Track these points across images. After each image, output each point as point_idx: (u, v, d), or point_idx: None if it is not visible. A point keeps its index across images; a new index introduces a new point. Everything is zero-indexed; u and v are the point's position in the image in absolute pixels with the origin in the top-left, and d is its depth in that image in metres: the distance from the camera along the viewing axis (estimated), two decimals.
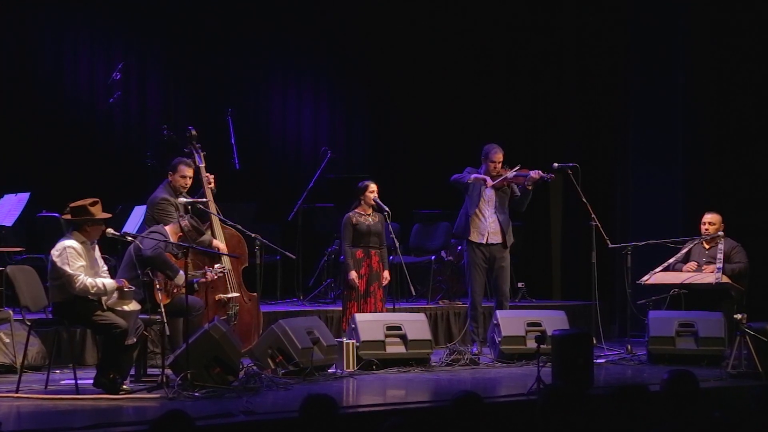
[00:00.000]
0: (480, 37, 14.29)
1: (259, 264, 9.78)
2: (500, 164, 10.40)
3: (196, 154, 9.82)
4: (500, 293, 10.47)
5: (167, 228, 8.86)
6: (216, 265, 9.21)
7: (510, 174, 10.28)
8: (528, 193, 10.42)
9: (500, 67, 14.31)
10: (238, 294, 9.62)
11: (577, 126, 13.71)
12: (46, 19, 12.60)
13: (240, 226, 9.66)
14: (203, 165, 9.80)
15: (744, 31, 12.47)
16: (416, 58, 14.04)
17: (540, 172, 10.28)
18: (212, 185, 9.79)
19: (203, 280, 9.12)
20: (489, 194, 10.41)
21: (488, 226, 10.40)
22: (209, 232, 9.45)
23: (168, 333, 8.47)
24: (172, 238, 8.73)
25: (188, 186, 9.50)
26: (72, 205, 8.24)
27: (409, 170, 13.92)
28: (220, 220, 9.65)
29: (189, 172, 9.49)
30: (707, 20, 12.51)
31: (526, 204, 10.53)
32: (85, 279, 8.05)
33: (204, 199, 9.61)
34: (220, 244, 9.48)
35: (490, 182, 10.35)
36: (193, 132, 9.92)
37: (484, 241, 10.41)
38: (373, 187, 10.28)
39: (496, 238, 10.41)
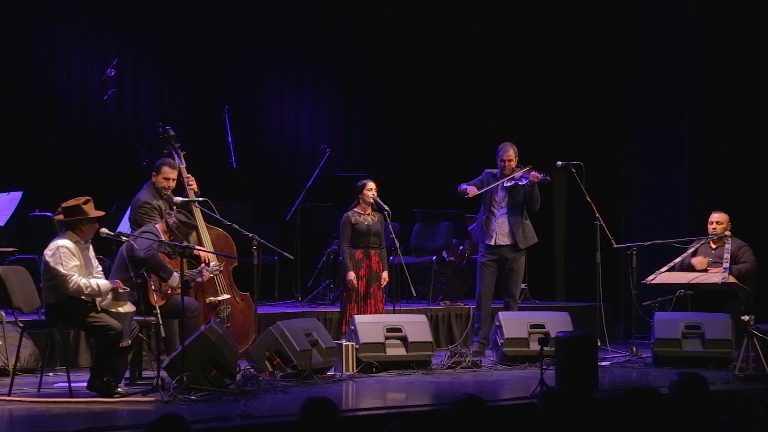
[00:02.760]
0: (482, 35, 14.17)
1: (256, 264, 9.69)
2: (511, 162, 10.29)
3: (175, 155, 9.70)
4: (508, 295, 10.43)
5: (157, 226, 8.75)
6: (212, 264, 9.11)
7: (517, 174, 10.20)
8: (531, 195, 10.32)
9: (503, 65, 14.18)
10: (229, 296, 9.50)
11: (582, 124, 13.61)
12: (38, 13, 12.47)
13: (237, 226, 9.54)
14: (183, 165, 9.66)
15: (750, 28, 12.41)
16: (417, 55, 13.93)
17: (537, 174, 10.16)
18: (194, 186, 9.65)
19: (200, 279, 9.01)
20: (501, 196, 10.33)
21: (497, 227, 10.34)
22: (194, 234, 9.31)
23: (163, 335, 8.34)
24: (163, 237, 8.62)
25: (171, 188, 9.36)
26: (64, 204, 8.15)
27: (409, 168, 13.80)
28: (216, 219, 9.51)
29: (173, 174, 9.35)
30: (713, 18, 12.44)
31: (534, 204, 10.39)
32: (78, 279, 7.96)
33: (201, 199, 9.48)
34: (201, 251, 9.32)
35: (472, 192, 10.22)
36: (171, 132, 9.81)
37: (492, 242, 10.36)
38: (371, 185, 10.15)
39: (505, 240, 10.34)
